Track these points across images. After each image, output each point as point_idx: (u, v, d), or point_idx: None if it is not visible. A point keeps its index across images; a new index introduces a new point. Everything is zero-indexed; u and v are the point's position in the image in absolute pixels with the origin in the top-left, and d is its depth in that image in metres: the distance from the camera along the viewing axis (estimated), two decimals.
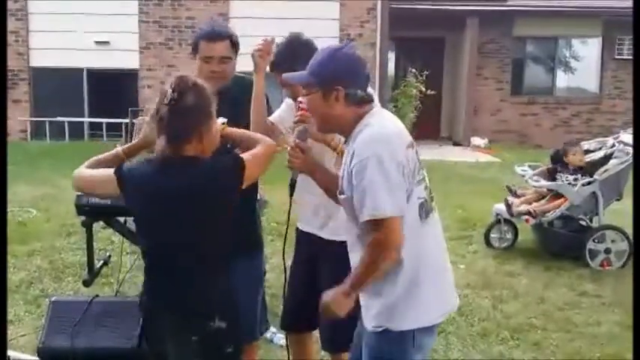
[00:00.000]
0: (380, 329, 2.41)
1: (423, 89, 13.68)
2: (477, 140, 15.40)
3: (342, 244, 2.60)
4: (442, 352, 4.44)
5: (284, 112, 3.22)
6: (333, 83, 2.36)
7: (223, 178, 2.43)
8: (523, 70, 16.89)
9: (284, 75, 2.63)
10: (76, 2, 13.94)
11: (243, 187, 2.45)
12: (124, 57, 14.28)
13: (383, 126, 2.37)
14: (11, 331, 4.47)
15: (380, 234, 2.26)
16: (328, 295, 2.38)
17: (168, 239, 2.43)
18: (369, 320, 2.46)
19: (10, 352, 4.06)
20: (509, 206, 6.56)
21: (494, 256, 6.64)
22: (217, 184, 2.41)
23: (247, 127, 3.06)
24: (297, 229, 3.33)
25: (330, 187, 2.57)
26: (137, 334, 3.00)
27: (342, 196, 2.41)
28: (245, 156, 2.47)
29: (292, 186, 2.65)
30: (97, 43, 14.08)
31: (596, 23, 15.55)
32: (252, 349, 3.65)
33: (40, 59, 14.44)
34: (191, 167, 2.40)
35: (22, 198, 8.16)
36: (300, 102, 2.77)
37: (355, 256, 2.45)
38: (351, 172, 2.31)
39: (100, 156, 2.64)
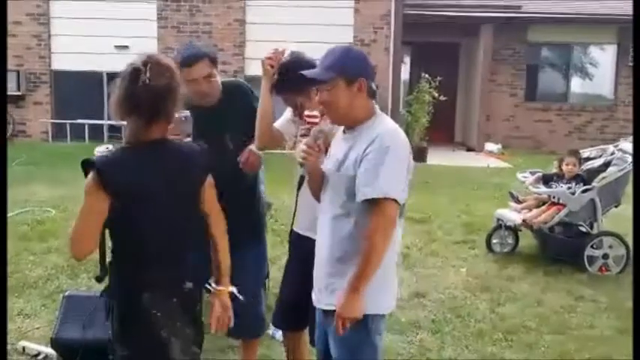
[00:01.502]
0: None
1: (436, 95, 13.76)
2: (490, 146, 15.46)
3: None
4: (436, 351, 4.56)
5: (286, 122, 3.38)
6: (356, 74, 2.57)
7: (201, 161, 2.56)
8: (537, 77, 16.96)
9: (305, 71, 2.71)
10: (97, 7, 14.24)
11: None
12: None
13: (392, 122, 2.65)
14: (27, 324, 4.68)
15: (386, 213, 2.47)
16: (338, 305, 2.55)
17: (170, 219, 2.47)
18: (330, 299, 2.64)
19: (25, 343, 4.28)
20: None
21: (494, 260, 6.74)
22: (198, 165, 2.55)
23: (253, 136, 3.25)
24: (292, 230, 3.44)
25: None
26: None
27: (339, 173, 2.59)
28: None
29: (301, 182, 2.87)
30: (117, 47, 14.29)
31: (611, 30, 15.58)
32: (253, 346, 3.80)
33: (61, 62, 14.73)
34: (179, 147, 2.54)
35: (42, 197, 8.41)
36: (308, 116, 2.95)
37: (325, 231, 2.66)
38: (367, 153, 2.50)
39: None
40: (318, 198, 2.78)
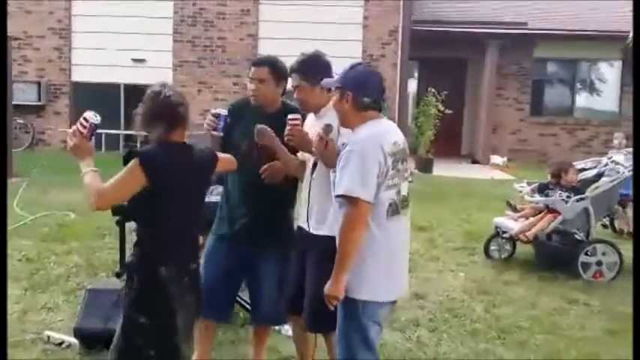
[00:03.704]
0: None
1: (442, 108, 13.96)
2: (495, 159, 15.64)
3: (328, 239, 3.16)
4: (432, 346, 4.80)
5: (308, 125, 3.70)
6: (346, 89, 3.03)
7: (212, 162, 3.19)
8: (543, 91, 17.16)
9: (323, 81, 3.28)
10: (115, 22, 14.58)
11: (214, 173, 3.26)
12: (159, 74, 14.69)
13: (375, 130, 3.01)
14: (50, 317, 4.98)
15: (350, 209, 2.88)
16: (326, 289, 2.96)
17: (186, 207, 3.01)
18: None
19: (49, 332, 4.58)
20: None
21: (492, 266, 6.97)
22: (210, 165, 3.18)
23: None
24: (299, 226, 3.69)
25: None
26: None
27: (332, 174, 3.08)
28: (219, 154, 3.27)
29: (314, 166, 3.36)
30: (134, 60, 14.70)
31: (616, 46, 15.77)
32: (266, 332, 4.14)
33: (81, 74, 15.11)
34: (195, 150, 3.06)
35: (62, 202, 8.73)
36: (290, 119, 3.41)
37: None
38: (340, 157, 2.97)
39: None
40: None
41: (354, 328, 3.03)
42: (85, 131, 2.90)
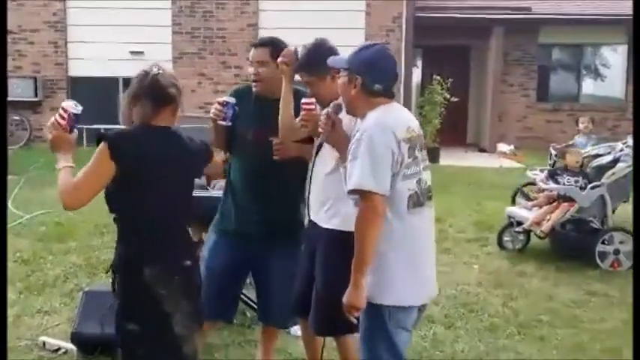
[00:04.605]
0: None
1: (448, 96, 13.81)
2: (502, 146, 15.47)
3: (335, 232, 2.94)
4: (449, 343, 4.62)
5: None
6: (354, 72, 2.72)
7: (202, 152, 2.94)
8: (549, 77, 16.96)
9: (329, 59, 2.96)
10: (112, 14, 14.36)
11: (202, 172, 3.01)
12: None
13: (385, 116, 2.69)
14: (47, 321, 4.77)
15: (363, 205, 2.58)
16: (344, 297, 2.64)
17: (168, 198, 2.73)
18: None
19: (45, 338, 4.37)
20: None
21: (507, 257, 6.79)
22: (200, 155, 2.92)
23: None
24: (309, 220, 3.48)
25: None
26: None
27: (342, 170, 2.80)
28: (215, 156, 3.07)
29: (318, 149, 3.09)
30: (132, 53, 14.45)
31: (622, 30, 15.54)
32: (274, 333, 3.86)
33: (77, 69, 14.91)
34: (181, 137, 2.80)
35: (59, 200, 8.55)
36: (304, 103, 3.12)
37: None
38: (350, 148, 2.66)
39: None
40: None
41: (379, 336, 2.71)
42: (63, 122, 2.66)
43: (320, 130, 2.96)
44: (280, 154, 3.35)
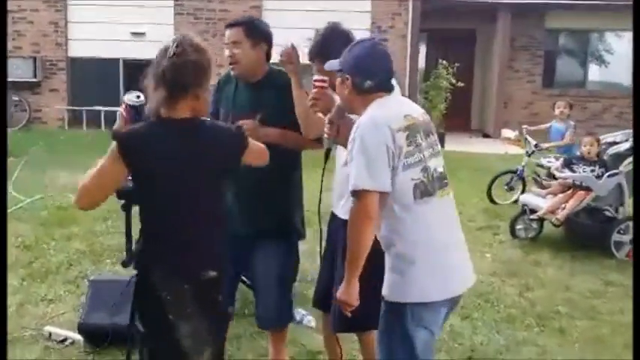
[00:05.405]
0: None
1: (453, 81, 13.65)
2: (507, 132, 15.29)
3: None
4: (467, 335, 4.51)
5: None
6: (346, 72, 2.65)
7: (230, 144, 2.54)
8: (555, 63, 16.80)
9: (326, 64, 2.81)
10: None
11: (241, 162, 2.58)
12: (160, 48, 14.48)
13: (377, 111, 2.58)
14: (51, 309, 4.63)
15: (356, 205, 2.47)
16: (337, 293, 2.57)
17: (192, 201, 2.46)
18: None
19: (51, 328, 4.23)
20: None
21: (520, 246, 6.68)
22: (232, 148, 2.54)
23: (293, 114, 3.17)
24: (331, 212, 3.38)
25: None
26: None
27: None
28: (251, 141, 2.63)
29: (326, 154, 2.89)
30: (134, 34, 14.22)
31: (629, 16, 15.37)
32: (280, 336, 3.52)
33: (78, 49, 14.63)
34: (206, 128, 2.50)
35: (61, 184, 8.35)
36: (316, 80, 2.98)
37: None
38: (349, 148, 2.56)
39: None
40: None
41: (397, 334, 2.57)
42: (125, 115, 2.52)
43: (325, 136, 2.85)
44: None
